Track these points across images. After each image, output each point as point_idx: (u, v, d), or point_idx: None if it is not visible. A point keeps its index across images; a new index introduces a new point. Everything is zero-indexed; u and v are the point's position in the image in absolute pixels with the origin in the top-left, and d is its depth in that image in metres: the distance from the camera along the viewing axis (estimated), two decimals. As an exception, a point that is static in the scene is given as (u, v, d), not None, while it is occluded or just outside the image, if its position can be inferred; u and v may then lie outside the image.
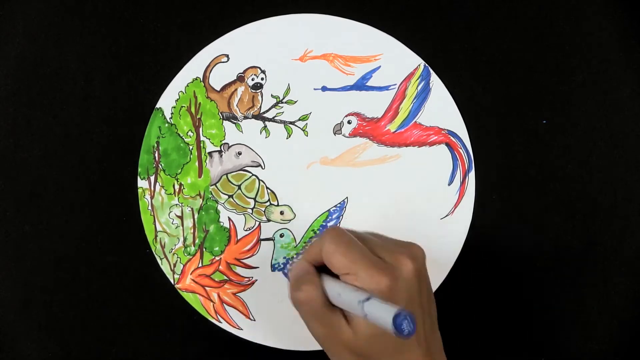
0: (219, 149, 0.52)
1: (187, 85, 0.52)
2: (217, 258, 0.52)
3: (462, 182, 0.53)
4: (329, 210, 0.52)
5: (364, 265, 0.40)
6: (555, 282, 0.53)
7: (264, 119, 0.52)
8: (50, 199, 0.52)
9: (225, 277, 0.52)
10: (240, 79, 0.52)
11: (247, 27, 0.52)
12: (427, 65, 0.53)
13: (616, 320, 0.53)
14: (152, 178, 0.52)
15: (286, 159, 0.52)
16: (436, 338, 0.43)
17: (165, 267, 0.52)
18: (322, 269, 0.43)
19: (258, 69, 0.52)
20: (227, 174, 0.52)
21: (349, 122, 0.52)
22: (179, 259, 0.52)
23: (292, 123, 0.52)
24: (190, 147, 0.52)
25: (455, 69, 0.53)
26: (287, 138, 0.52)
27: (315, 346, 0.52)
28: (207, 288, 0.52)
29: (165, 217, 0.52)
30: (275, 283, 0.52)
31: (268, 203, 0.52)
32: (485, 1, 0.53)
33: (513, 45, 0.53)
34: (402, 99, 0.53)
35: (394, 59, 0.53)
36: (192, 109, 0.52)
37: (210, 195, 0.52)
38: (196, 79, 0.52)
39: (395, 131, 0.53)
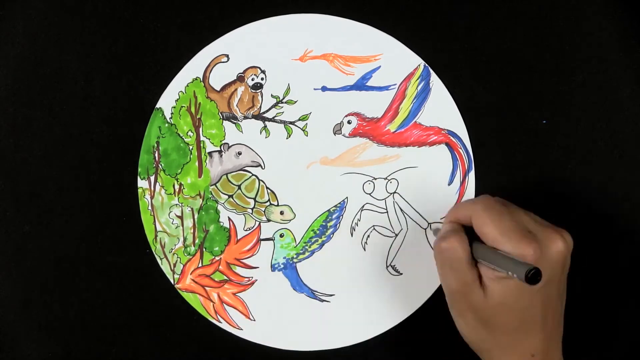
0: (219, 149, 0.52)
1: (187, 85, 0.52)
2: (217, 258, 0.52)
3: (462, 182, 0.53)
4: (329, 210, 0.52)
5: (513, 237, 0.40)
6: (555, 282, 0.53)
7: (264, 119, 0.52)
8: (50, 199, 0.52)
9: (225, 277, 0.52)
10: (240, 79, 0.52)
11: (247, 27, 0.52)
12: (427, 65, 0.53)
13: (616, 320, 0.53)
14: (152, 178, 0.52)
15: (286, 159, 0.52)
16: (558, 326, 0.44)
17: (165, 267, 0.52)
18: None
19: (258, 69, 0.52)
20: (227, 174, 0.52)
21: (349, 122, 0.52)
22: (179, 259, 0.52)
23: (292, 123, 0.52)
24: (190, 147, 0.52)
25: (455, 69, 0.53)
26: (287, 138, 0.52)
27: (315, 346, 0.52)
28: (207, 288, 0.52)
29: (165, 217, 0.52)
30: (275, 283, 0.52)
31: (268, 203, 0.53)
32: (485, 1, 0.53)
33: (513, 45, 0.53)
34: (402, 99, 0.53)
35: (394, 59, 0.53)
36: (192, 109, 0.52)
37: (210, 195, 0.52)
38: (196, 79, 0.52)
39: (395, 131, 0.53)
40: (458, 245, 0.42)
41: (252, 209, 0.53)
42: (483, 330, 0.42)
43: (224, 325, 0.52)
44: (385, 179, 0.53)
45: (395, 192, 0.53)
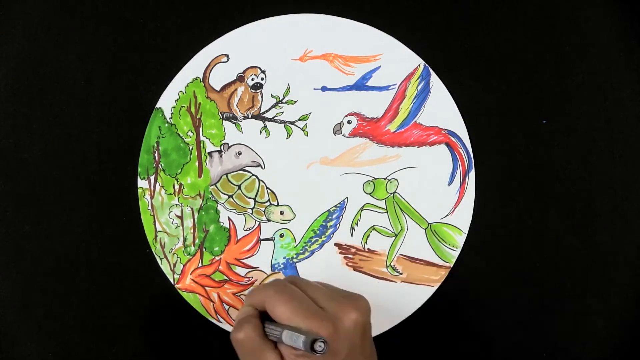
0: (219, 149, 0.52)
1: (187, 85, 0.52)
2: (217, 258, 0.52)
3: (462, 182, 0.53)
4: (329, 210, 0.52)
5: (304, 316, 0.41)
6: (555, 282, 0.53)
7: (264, 119, 0.52)
8: (50, 199, 0.52)
9: (225, 277, 0.52)
10: (240, 79, 0.52)
11: (247, 27, 0.52)
12: (427, 65, 0.53)
13: (616, 320, 0.53)
14: (152, 178, 0.52)
15: (286, 159, 0.52)
16: None
17: (165, 267, 0.52)
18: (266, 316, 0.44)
19: (258, 69, 0.52)
20: (227, 174, 0.52)
21: (349, 122, 0.52)
22: (179, 259, 0.52)
23: (292, 123, 0.52)
24: (190, 147, 0.52)
25: (455, 69, 0.53)
26: (287, 138, 0.52)
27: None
28: (207, 288, 0.52)
29: (165, 217, 0.52)
30: (275, 283, 0.53)
31: (268, 203, 0.52)
32: (485, 1, 0.53)
33: (513, 45, 0.53)
34: (402, 99, 0.53)
35: (394, 59, 0.53)
36: (192, 109, 0.52)
37: (210, 195, 0.52)
38: (196, 79, 0.52)
39: (395, 131, 0.53)
40: (253, 334, 0.43)
41: (252, 209, 0.53)
42: None
43: (224, 325, 0.52)
44: (385, 179, 0.53)
45: (395, 192, 0.53)
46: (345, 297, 0.44)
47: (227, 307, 0.52)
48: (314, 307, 0.42)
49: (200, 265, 0.52)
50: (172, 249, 0.52)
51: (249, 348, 0.43)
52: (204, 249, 0.52)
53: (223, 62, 0.52)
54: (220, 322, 0.52)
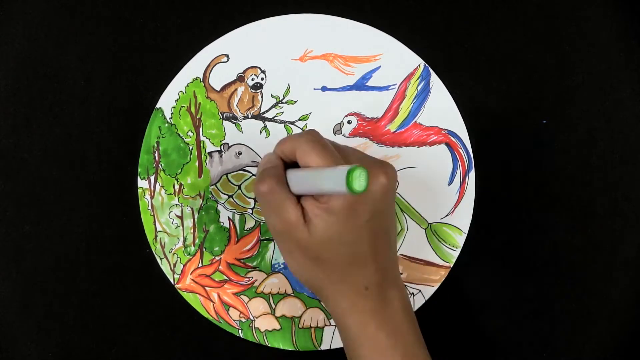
0: (219, 149, 0.52)
1: (187, 85, 0.52)
2: (217, 258, 0.52)
3: (462, 182, 0.53)
4: (329, 210, 0.52)
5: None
6: (555, 282, 0.53)
7: (264, 119, 0.52)
8: (50, 199, 0.52)
9: (225, 277, 0.52)
10: (240, 79, 0.52)
11: (247, 27, 0.52)
12: (427, 65, 0.53)
13: (616, 320, 0.53)
14: (152, 178, 0.52)
15: (286, 159, 0.52)
16: (391, 258, 0.44)
17: (165, 267, 0.52)
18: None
19: (258, 69, 0.52)
20: (227, 174, 0.52)
21: (349, 122, 0.52)
22: (179, 259, 0.52)
23: (292, 123, 0.52)
24: (190, 147, 0.52)
25: (455, 69, 0.53)
26: (287, 138, 0.52)
27: (315, 346, 0.52)
28: (207, 288, 0.52)
29: (165, 217, 0.52)
30: (275, 283, 0.52)
31: (268, 203, 0.52)
32: (485, 1, 0.53)
33: (513, 45, 0.53)
34: (402, 99, 0.53)
35: (394, 59, 0.53)
36: (192, 109, 0.52)
37: (210, 195, 0.52)
38: (196, 79, 0.52)
39: (395, 131, 0.53)
40: (277, 186, 0.41)
41: (252, 209, 0.53)
42: (313, 267, 0.41)
43: (224, 325, 0.52)
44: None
45: (395, 192, 0.53)
46: (374, 162, 0.42)
47: (227, 307, 0.52)
48: (351, 160, 0.41)
49: (200, 265, 0.52)
50: (172, 249, 0.52)
51: (270, 200, 0.41)
52: (204, 249, 0.52)
53: (223, 62, 0.52)
54: (220, 322, 0.52)
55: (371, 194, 0.41)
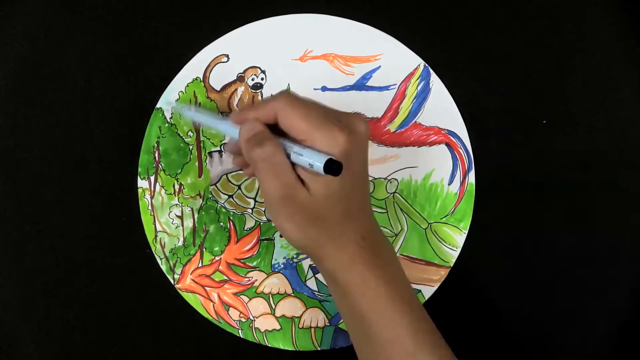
0: (219, 149, 0.52)
1: (187, 85, 0.52)
2: (217, 258, 0.52)
3: (462, 182, 0.53)
4: (329, 210, 0.52)
5: (322, 125, 0.41)
6: (555, 282, 0.53)
7: (264, 119, 0.52)
8: (50, 199, 0.52)
9: (225, 277, 0.52)
10: (240, 79, 0.52)
11: (247, 27, 0.52)
12: (427, 65, 0.53)
13: (616, 320, 0.53)
14: (152, 178, 0.52)
15: (286, 159, 0.52)
16: (370, 207, 0.45)
17: (165, 267, 0.52)
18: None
19: (258, 69, 0.52)
20: (227, 174, 0.52)
21: (349, 122, 0.52)
22: (179, 259, 0.52)
23: (292, 123, 0.52)
24: (190, 147, 0.52)
25: (455, 69, 0.53)
26: (287, 138, 0.52)
27: (315, 346, 0.52)
28: (207, 288, 0.52)
29: (165, 217, 0.52)
30: (275, 283, 0.52)
31: (268, 203, 0.52)
32: (485, 1, 0.53)
33: (513, 45, 0.53)
34: (402, 99, 0.53)
35: (394, 59, 0.53)
36: (192, 109, 0.52)
37: (210, 195, 0.52)
38: (196, 79, 0.52)
39: (395, 131, 0.53)
40: (275, 150, 0.41)
41: (252, 209, 0.53)
42: (314, 227, 0.42)
43: (224, 326, 0.52)
44: (385, 179, 0.53)
45: (395, 192, 0.53)
46: (349, 113, 0.44)
47: (227, 307, 0.52)
48: (330, 118, 0.41)
49: (200, 265, 0.52)
50: (172, 249, 0.52)
51: (270, 164, 0.41)
52: (204, 249, 0.52)
53: (223, 62, 0.52)
54: (220, 322, 0.52)
55: (358, 141, 0.42)
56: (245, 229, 0.53)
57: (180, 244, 0.52)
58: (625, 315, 0.54)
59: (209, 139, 0.52)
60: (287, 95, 0.42)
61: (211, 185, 0.52)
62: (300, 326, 0.52)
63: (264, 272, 0.53)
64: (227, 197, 0.52)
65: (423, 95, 0.53)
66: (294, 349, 0.52)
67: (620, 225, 0.53)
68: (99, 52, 0.52)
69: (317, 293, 0.52)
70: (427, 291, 0.53)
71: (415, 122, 0.53)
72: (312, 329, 0.52)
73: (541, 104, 0.53)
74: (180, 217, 0.52)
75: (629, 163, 0.53)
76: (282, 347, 0.52)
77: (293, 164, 0.42)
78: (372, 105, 0.52)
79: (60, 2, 0.52)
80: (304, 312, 0.52)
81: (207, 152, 0.52)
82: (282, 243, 0.53)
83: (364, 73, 0.52)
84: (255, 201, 0.53)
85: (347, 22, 0.52)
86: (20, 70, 0.52)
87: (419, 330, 0.42)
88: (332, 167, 0.39)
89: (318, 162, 0.39)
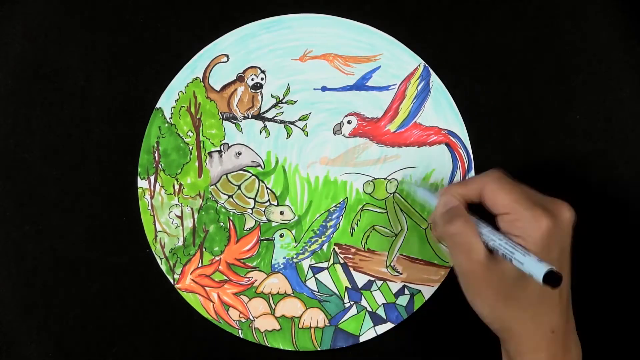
0: (218, 149, 0.52)
1: (187, 85, 0.52)
2: (217, 258, 0.52)
3: (462, 182, 0.53)
4: (328, 210, 0.52)
5: (527, 205, 0.40)
6: (555, 282, 0.53)
7: (264, 119, 0.52)
8: (50, 199, 0.52)
9: (225, 277, 0.52)
10: (240, 79, 0.52)
11: (247, 27, 0.52)
12: (427, 65, 0.53)
13: (616, 321, 0.53)
14: (152, 178, 0.52)
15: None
16: (569, 302, 0.43)
17: (165, 267, 0.52)
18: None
19: (258, 69, 0.52)
20: (227, 174, 0.52)
21: (349, 122, 0.52)
22: (178, 259, 0.52)
23: (292, 123, 0.52)
24: (190, 147, 0.52)
25: (455, 69, 0.53)
26: (287, 138, 0.52)
27: (315, 346, 0.52)
28: (207, 288, 0.52)
29: (165, 217, 0.52)
30: (275, 283, 0.52)
31: (268, 203, 0.52)
32: (485, 1, 0.53)
33: (513, 45, 0.53)
34: (402, 99, 0.53)
35: (394, 59, 0.53)
36: (192, 109, 0.52)
37: (210, 195, 0.52)
38: (196, 79, 0.52)
39: (395, 131, 0.53)
40: (467, 228, 0.42)
41: (252, 209, 0.53)
42: (503, 307, 0.41)
43: (223, 326, 0.52)
44: (385, 179, 0.53)
45: (395, 192, 0.53)
46: (555, 199, 0.43)
47: (227, 307, 0.52)
48: (536, 198, 0.41)
49: (200, 265, 0.52)
50: (172, 249, 0.52)
51: (461, 242, 0.41)
52: (204, 249, 0.52)
53: (223, 62, 0.52)
54: (220, 322, 0.52)
55: (560, 227, 0.41)
56: (245, 229, 0.53)
57: (180, 244, 0.52)
58: (625, 316, 0.53)
59: (209, 139, 0.52)
60: (495, 172, 0.43)
61: (211, 185, 0.52)
62: (300, 326, 0.52)
63: (263, 272, 0.53)
64: (227, 197, 0.52)
65: (423, 95, 0.53)
66: (293, 349, 0.52)
67: (620, 224, 0.53)
68: (98, 53, 0.52)
69: (317, 293, 0.52)
70: (427, 291, 0.53)
71: (415, 122, 0.53)
72: (312, 329, 0.52)
73: (541, 104, 0.53)
74: (180, 217, 0.52)
75: (629, 163, 0.53)
76: (282, 348, 0.52)
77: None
78: (372, 105, 0.52)
79: (60, 2, 0.53)
80: (303, 312, 0.52)
81: (207, 152, 0.52)
82: (281, 243, 0.53)
83: (363, 73, 0.52)
84: (255, 201, 0.53)
85: (347, 22, 0.52)
86: (20, 70, 0.52)
87: None
88: (552, 277, 0.37)
89: (537, 274, 0.37)
